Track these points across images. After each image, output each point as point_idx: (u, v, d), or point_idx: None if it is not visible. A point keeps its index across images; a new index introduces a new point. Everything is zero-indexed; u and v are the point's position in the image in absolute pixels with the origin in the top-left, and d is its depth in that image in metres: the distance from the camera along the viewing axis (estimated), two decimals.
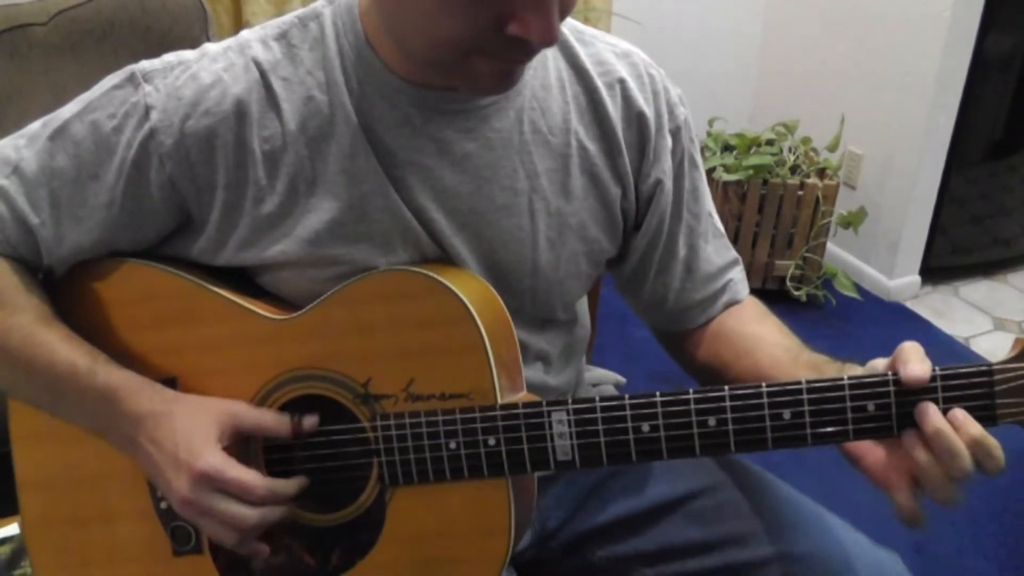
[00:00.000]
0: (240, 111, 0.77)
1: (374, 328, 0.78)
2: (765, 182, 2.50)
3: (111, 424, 0.79)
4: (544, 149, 0.83)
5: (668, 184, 0.88)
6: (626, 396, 0.74)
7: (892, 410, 0.70)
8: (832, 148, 2.54)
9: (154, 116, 0.77)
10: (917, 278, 2.74)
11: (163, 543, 0.84)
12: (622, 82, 0.85)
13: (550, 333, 0.92)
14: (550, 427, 0.75)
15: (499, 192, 0.82)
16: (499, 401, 0.76)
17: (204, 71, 0.78)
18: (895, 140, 2.58)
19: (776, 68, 2.97)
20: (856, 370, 0.76)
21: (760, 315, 0.94)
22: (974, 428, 0.68)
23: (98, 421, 0.80)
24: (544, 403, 0.76)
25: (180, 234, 0.83)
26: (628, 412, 0.74)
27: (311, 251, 0.80)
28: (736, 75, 2.98)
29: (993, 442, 0.68)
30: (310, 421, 0.79)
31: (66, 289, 0.85)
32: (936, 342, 2.47)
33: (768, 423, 0.72)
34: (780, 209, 2.52)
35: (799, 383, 0.71)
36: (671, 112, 0.88)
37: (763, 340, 0.89)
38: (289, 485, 0.78)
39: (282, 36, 0.80)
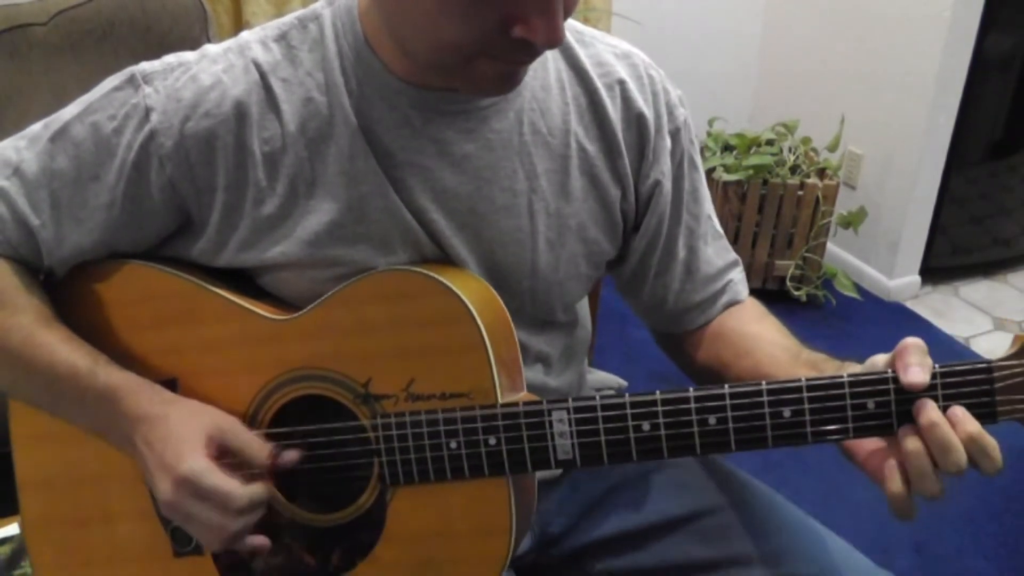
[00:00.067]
0: (240, 113, 0.78)
1: (374, 328, 0.78)
2: (765, 182, 2.50)
3: (110, 424, 0.79)
4: (544, 150, 0.83)
5: (667, 185, 0.88)
6: (626, 395, 0.74)
7: (892, 408, 0.70)
8: (832, 148, 2.54)
9: (154, 118, 0.77)
10: (917, 278, 2.74)
11: (163, 544, 0.84)
12: (622, 83, 0.85)
13: (550, 334, 0.92)
14: (551, 426, 0.75)
15: (499, 193, 0.82)
16: (499, 401, 0.76)
17: (204, 73, 0.78)
18: (895, 140, 2.58)
19: (776, 68, 2.97)
20: (855, 369, 0.76)
21: (759, 315, 0.94)
22: (971, 425, 0.68)
23: (97, 421, 0.80)
24: (544, 402, 0.76)
25: (180, 235, 0.83)
26: (628, 411, 0.74)
27: (311, 252, 0.80)
28: (736, 75, 2.98)
29: (991, 442, 0.68)
30: (289, 456, 0.78)
31: (67, 290, 0.85)
32: (936, 342, 2.48)
33: (768, 421, 0.72)
34: (780, 209, 2.52)
35: (799, 381, 0.71)
36: (671, 113, 0.88)
37: (762, 340, 0.89)
38: (264, 489, 0.77)
39: (282, 37, 0.80)
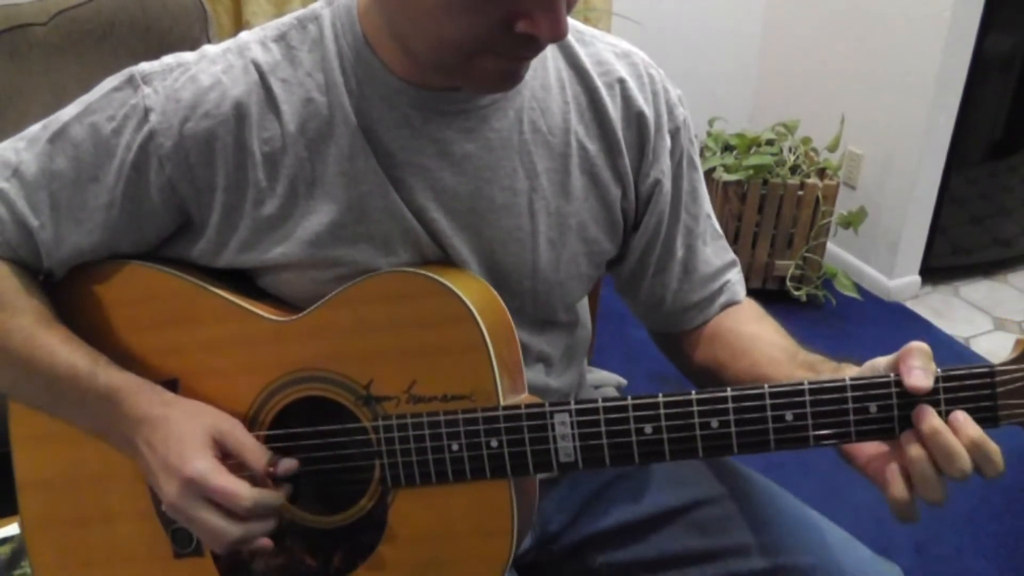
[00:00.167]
0: (239, 113, 0.77)
1: (376, 329, 0.78)
2: (765, 182, 2.50)
3: (110, 425, 0.79)
4: (544, 149, 0.83)
5: (667, 184, 0.88)
6: (628, 397, 0.74)
7: (894, 412, 0.70)
8: (832, 148, 2.54)
9: (153, 118, 0.77)
10: (917, 278, 2.74)
11: (164, 545, 0.84)
12: (622, 82, 0.85)
13: (551, 334, 0.92)
14: (553, 429, 0.75)
15: (499, 192, 0.82)
16: (501, 403, 0.76)
17: (203, 73, 0.78)
18: (895, 140, 2.58)
19: (776, 68, 2.97)
20: (853, 369, 0.76)
21: (757, 316, 0.94)
22: (973, 430, 0.68)
23: (98, 422, 0.80)
24: (547, 404, 0.76)
25: (180, 236, 0.83)
26: (631, 414, 0.74)
27: (312, 252, 0.80)
28: (736, 75, 2.98)
29: (993, 447, 0.68)
30: (287, 465, 0.78)
31: (67, 291, 0.85)
32: (936, 342, 2.47)
33: (771, 425, 0.72)
34: (780, 209, 2.52)
35: (801, 384, 0.71)
36: (670, 112, 0.88)
37: (760, 340, 0.89)
38: (275, 496, 0.77)
39: (281, 38, 0.80)
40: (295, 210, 0.80)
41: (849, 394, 0.70)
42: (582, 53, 0.85)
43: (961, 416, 0.68)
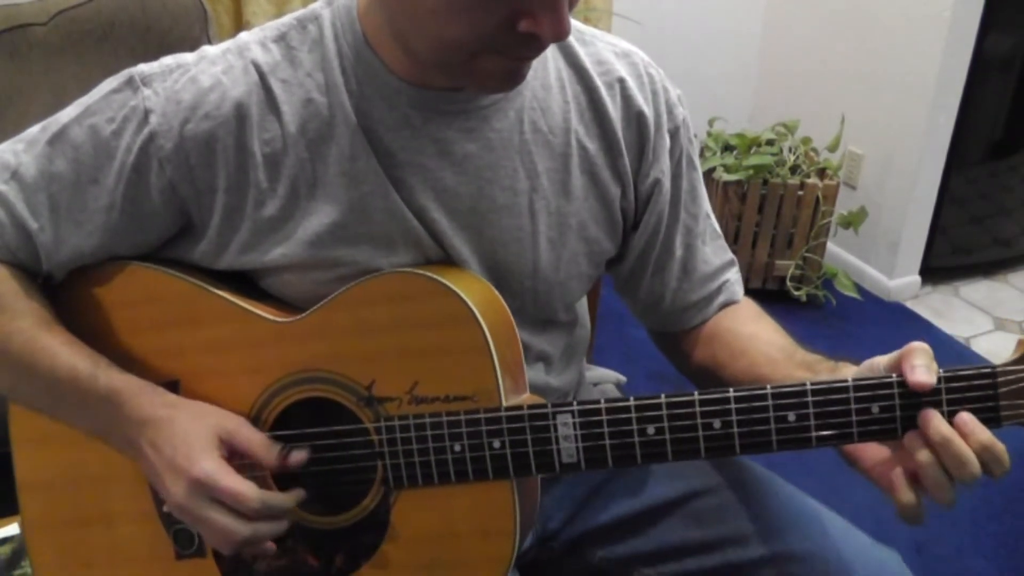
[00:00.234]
0: (240, 114, 0.77)
1: (378, 330, 0.78)
2: (765, 182, 2.50)
3: (112, 427, 0.79)
4: (544, 149, 0.83)
5: (666, 184, 0.88)
6: (631, 398, 0.74)
7: (896, 412, 0.70)
8: (832, 148, 2.54)
9: (153, 120, 0.77)
10: (917, 278, 2.74)
11: (165, 546, 0.84)
12: (622, 81, 0.85)
13: (551, 334, 0.92)
14: (555, 430, 0.75)
15: (499, 192, 0.82)
16: (503, 403, 0.76)
17: (203, 74, 0.78)
18: (895, 140, 2.58)
19: (776, 68, 2.97)
20: (850, 368, 0.76)
21: (756, 315, 0.94)
22: (983, 434, 0.68)
23: (99, 425, 0.80)
24: (549, 405, 0.76)
25: (181, 238, 0.83)
26: (633, 415, 0.74)
27: (313, 253, 0.80)
28: (736, 75, 2.98)
29: (1001, 447, 0.68)
30: (298, 456, 0.78)
31: (68, 292, 0.84)
32: (936, 342, 2.46)
33: (773, 426, 0.72)
34: (780, 209, 2.52)
35: (804, 385, 0.71)
36: (670, 112, 0.88)
37: (758, 340, 0.89)
38: (286, 499, 0.77)
39: (281, 38, 0.80)
40: (296, 211, 0.79)
41: (852, 395, 0.70)
42: (582, 53, 0.85)
43: (968, 419, 0.68)
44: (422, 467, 0.78)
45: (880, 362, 0.72)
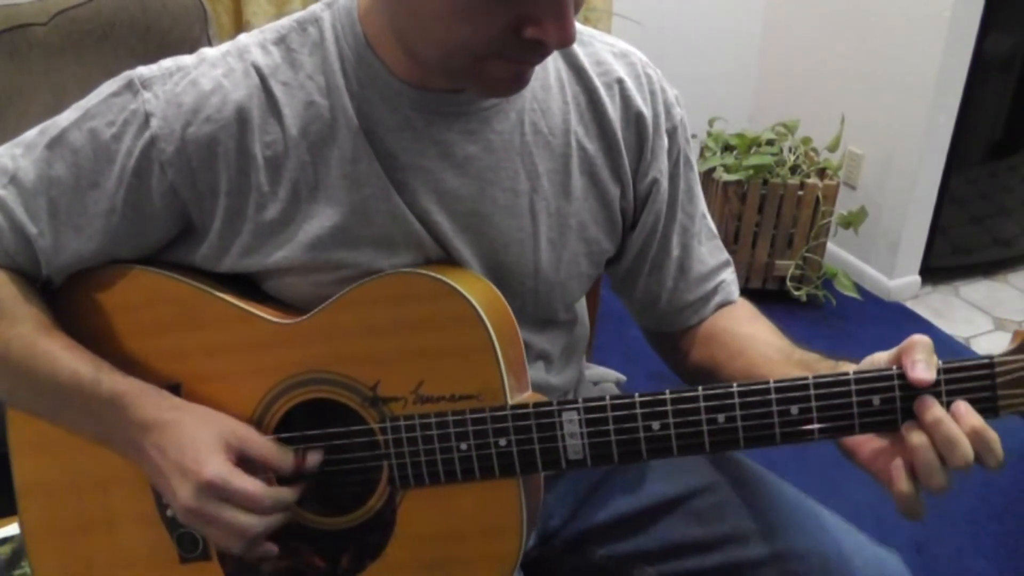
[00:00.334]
0: (241, 117, 0.77)
1: (382, 331, 0.78)
2: (765, 182, 2.50)
3: (115, 431, 0.78)
4: (545, 150, 0.83)
5: (664, 183, 0.89)
6: (636, 395, 0.74)
7: (896, 404, 0.71)
8: (832, 148, 2.54)
9: (154, 123, 0.77)
10: (917, 278, 2.74)
11: (169, 550, 0.84)
12: (620, 82, 0.86)
13: (551, 333, 0.92)
14: (561, 427, 0.76)
15: (500, 193, 0.82)
16: (509, 402, 0.76)
17: (204, 77, 0.78)
18: (895, 140, 2.58)
19: (776, 68, 2.97)
20: (850, 367, 0.77)
21: (752, 315, 0.95)
22: (974, 419, 0.68)
23: (102, 429, 0.79)
24: (555, 402, 0.76)
25: (182, 242, 0.83)
26: (638, 411, 0.74)
27: (314, 256, 0.80)
28: (736, 75, 2.98)
29: (993, 435, 0.68)
30: (314, 458, 0.79)
31: (67, 296, 0.84)
32: (936, 342, 2.44)
33: (776, 419, 0.72)
34: (780, 209, 2.52)
35: (806, 379, 0.72)
36: (668, 112, 0.88)
37: (756, 340, 0.89)
38: (292, 491, 0.78)
39: (281, 40, 0.79)
40: (297, 214, 0.79)
41: (852, 387, 0.71)
42: (581, 53, 0.85)
43: (962, 406, 0.69)
44: (428, 466, 0.78)
45: (881, 358, 0.73)
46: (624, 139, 0.86)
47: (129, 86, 0.78)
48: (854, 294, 2.56)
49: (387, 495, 0.80)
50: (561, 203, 0.85)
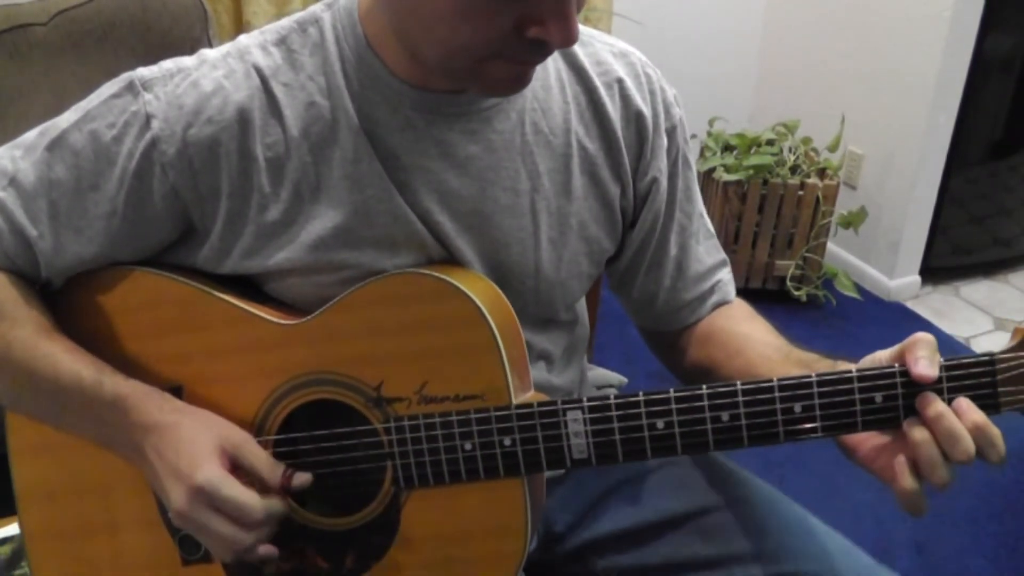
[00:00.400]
0: (243, 118, 0.77)
1: (385, 331, 0.78)
2: (765, 182, 2.50)
3: (117, 434, 0.78)
4: (546, 150, 0.84)
5: (663, 182, 0.89)
6: (640, 393, 0.74)
7: (899, 401, 0.71)
8: (832, 148, 2.54)
9: (155, 125, 0.76)
10: (917, 278, 2.74)
11: (171, 552, 0.83)
12: (620, 82, 0.86)
13: (552, 333, 0.92)
14: (565, 426, 0.76)
15: (502, 193, 0.82)
16: (513, 401, 0.76)
17: (205, 78, 0.77)
18: (895, 140, 2.58)
19: (776, 68, 2.97)
20: (847, 367, 0.77)
21: (749, 315, 0.95)
22: (976, 415, 0.69)
23: (104, 432, 0.79)
24: (559, 402, 0.76)
25: (183, 243, 0.82)
26: (643, 409, 0.74)
27: (316, 257, 0.80)
28: (736, 75, 2.98)
29: (995, 430, 0.68)
30: (302, 479, 0.78)
31: (68, 298, 0.84)
32: (937, 342, 2.47)
33: (780, 417, 0.73)
34: (780, 209, 2.52)
35: (809, 377, 0.72)
36: (667, 111, 0.89)
37: (753, 339, 0.89)
38: (283, 505, 0.77)
39: (281, 41, 0.79)
40: (299, 215, 0.79)
41: (855, 385, 0.71)
42: (581, 53, 0.85)
43: (964, 402, 0.69)
44: (432, 466, 0.78)
45: (882, 356, 0.73)
46: (624, 138, 0.86)
47: (130, 87, 0.78)
48: (854, 294, 2.56)
49: (391, 496, 0.80)
50: (562, 202, 0.85)
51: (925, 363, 0.69)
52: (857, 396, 0.71)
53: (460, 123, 0.80)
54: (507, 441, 0.76)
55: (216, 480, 0.73)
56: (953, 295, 2.76)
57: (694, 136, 0.93)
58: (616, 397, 0.75)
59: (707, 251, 0.95)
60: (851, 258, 2.81)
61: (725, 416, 0.73)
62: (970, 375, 0.70)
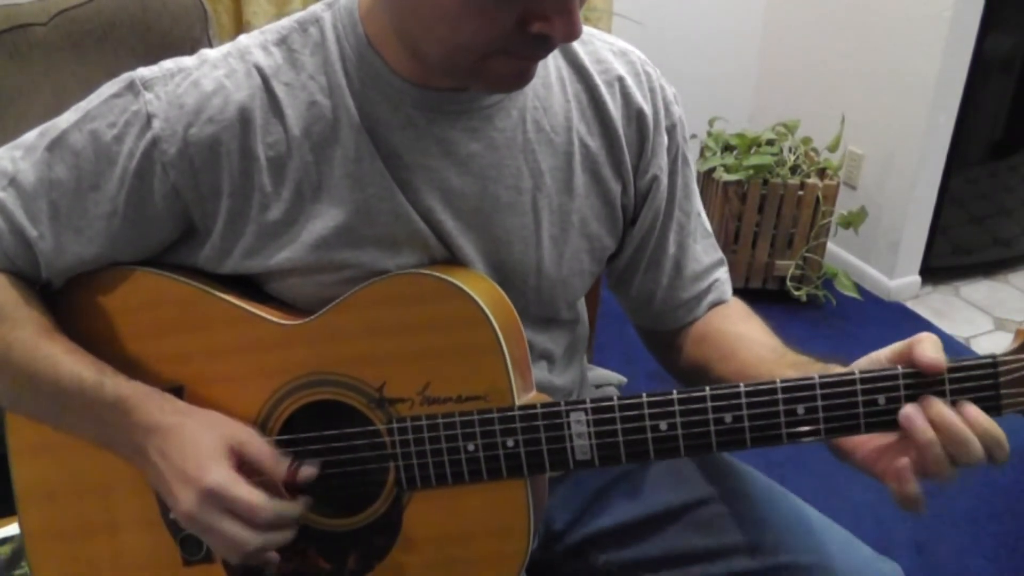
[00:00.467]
0: (244, 118, 0.77)
1: (388, 332, 0.78)
2: (765, 182, 2.50)
3: (118, 435, 0.78)
4: (547, 148, 0.84)
5: (664, 180, 0.89)
6: (643, 394, 0.74)
7: (902, 403, 0.71)
8: (832, 148, 2.54)
9: (156, 124, 0.76)
10: (917, 278, 2.74)
11: (172, 553, 0.83)
12: (621, 80, 0.86)
13: (554, 332, 0.92)
14: (569, 427, 0.76)
15: (504, 191, 0.82)
16: (516, 402, 0.76)
17: (205, 78, 0.77)
18: (895, 140, 2.58)
19: (776, 68, 2.97)
20: (840, 370, 0.77)
21: (745, 315, 0.95)
22: (985, 421, 0.69)
23: (105, 433, 0.79)
24: (563, 403, 0.76)
25: (183, 243, 0.82)
26: (646, 411, 0.74)
27: (318, 256, 0.79)
28: (736, 75, 2.98)
29: (1001, 433, 0.69)
30: (307, 472, 0.78)
31: (68, 298, 0.84)
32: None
33: (783, 419, 0.73)
34: (780, 209, 2.52)
35: (812, 379, 0.72)
36: (667, 109, 0.89)
37: (749, 340, 0.89)
38: (297, 506, 0.77)
39: (282, 41, 0.79)
40: (301, 214, 0.79)
41: (858, 387, 0.71)
42: (581, 52, 0.85)
43: (972, 410, 0.69)
44: (435, 467, 0.78)
45: (881, 355, 0.73)
46: (626, 136, 0.86)
47: (130, 87, 0.78)
48: (854, 294, 2.56)
49: (394, 496, 0.80)
50: (564, 200, 0.85)
51: (933, 354, 0.69)
52: (860, 398, 0.71)
53: (461, 121, 0.80)
54: (510, 442, 0.76)
55: (226, 482, 0.73)
56: (953, 295, 2.76)
57: (694, 136, 0.93)
58: (619, 398, 0.75)
59: (704, 250, 0.95)
60: (851, 258, 2.81)
61: (728, 418, 0.73)
62: (972, 377, 0.70)
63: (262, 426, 0.81)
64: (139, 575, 0.85)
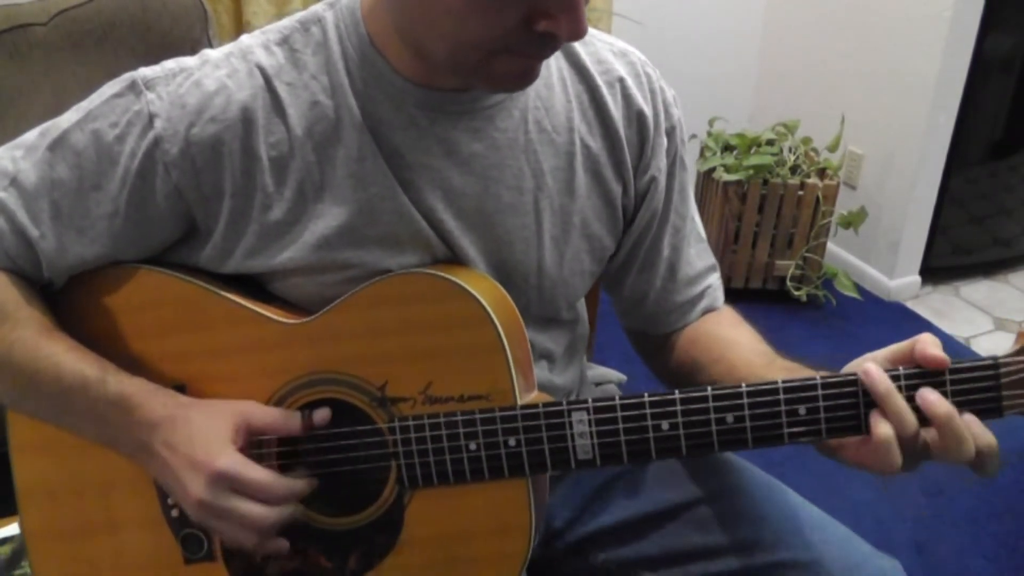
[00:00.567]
0: (246, 118, 0.77)
1: (390, 331, 0.78)
2: (765, 182, 2.50)
3: (122, 433, 0.78)
4: (549, 148, 0.84)
5: (662, 181, 0.90)
6: (645, 394, 0.75)
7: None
8: (832, 148, 2.54)
9: (158, 124, 0.76)
10: (917, 278, 2.74)
11: (173, 551, 0.83)
12: (621, 81, 0.86)
13: (554, 331, 0.92)
14: (570, 427, 0.76)
15: (505, 191, 0.83)
16: (518, 402, 0.76)
17: (207, 78, 0.77)
18: (895, 140, 2.58)
19: (776, 68, 2.97)
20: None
21: (736, 321, 0.95)
22: (983, 433, 0.69)
23: (108, 431, 0.79)
24: (565, 402, 0.76)
25: (185, 243, 0.82)
26: (648, 411, 0.74)
27: (320, 256, 0.79)
28: (736, 75, 2.99)
29: (994, 442, 0.69)
30: (321, 414, 0.79)
31: (69, 297, 0.84)
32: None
33: (784, 419, 0.73)
34: (780, 209, 2.52)
35: (814, 379, 0.72)
36: (667, 111, 0.89)
37: (739, 344, 0.90)
38: (304, 483, 0.78)
39: (284, 41, 0.79)
40: (303, 214, 0.79)
41: (859, 388, 0.71)
42: (582, 52, 0.86)
43: (973, 421, 0.70)
44: (437, 466, 0.78)
45: (880, 356, 0.73)
46: (626, 137, 0.86)
47: (132, 87, 0.78)
48: (854, 294, 2.57)
49: (395, 495, 0.80)
50: (565, 200, 0.85)
51: (935, 350, 0.70)
52: (860, 399, 0.71)
53: (463, 121, 0.80)
54: (512, 442, 0.76)
55: (237, 464, 0.73)
56: (953, 295, 2.76)
57: (694, 136, 0.93)
58: (621, 398, 0.75)
59: (698, 254, 0.96)
60: (851, 258, 2.81)
61: (730, 418, 0.73)
62: (973, 379, 0.70)
63: None
64: (140, 574, 0.85)
